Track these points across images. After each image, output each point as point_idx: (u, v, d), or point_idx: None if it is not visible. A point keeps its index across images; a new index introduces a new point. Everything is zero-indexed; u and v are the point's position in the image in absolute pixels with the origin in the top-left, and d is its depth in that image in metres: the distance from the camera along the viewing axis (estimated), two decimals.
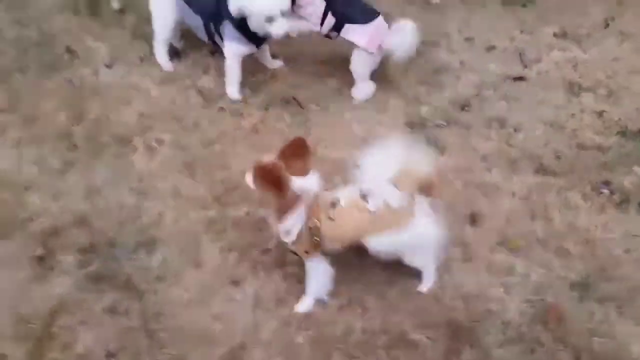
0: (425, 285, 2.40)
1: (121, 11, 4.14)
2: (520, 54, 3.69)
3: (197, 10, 3.30)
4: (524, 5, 4.19)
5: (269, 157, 2.16)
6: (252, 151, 3.03)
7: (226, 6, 3.09)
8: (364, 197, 2.15)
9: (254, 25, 3.07)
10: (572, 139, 3.10)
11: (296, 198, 2.12)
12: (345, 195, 2.19)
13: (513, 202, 2.77)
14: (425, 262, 2.35)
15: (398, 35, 3.19)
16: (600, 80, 3.46)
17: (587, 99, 3.34)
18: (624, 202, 2.75)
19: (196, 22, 3.37)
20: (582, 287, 2.41)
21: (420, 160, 2.17)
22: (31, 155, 3.04)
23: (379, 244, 2.19)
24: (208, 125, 3.22)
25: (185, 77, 3.54)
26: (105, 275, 2.49)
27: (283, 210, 2.13)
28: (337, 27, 3.21)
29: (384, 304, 2.37)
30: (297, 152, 2.17)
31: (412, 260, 2.31)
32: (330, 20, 3.19)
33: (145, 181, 2.92)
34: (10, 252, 2.59)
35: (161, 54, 3.62)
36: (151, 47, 3.67)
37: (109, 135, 3.15)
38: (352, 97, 3.42)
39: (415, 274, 2.40)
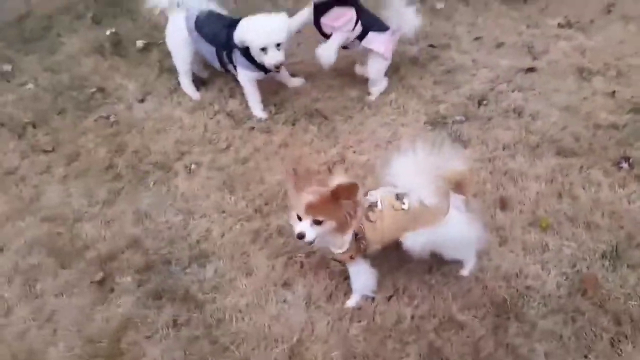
0: (467, 270, 2.53)
1: (145, 49, 4.38)
2: (528, 47, 3.85)
3: (210, 41, 3.53)
4: (525, 1, 4.37)
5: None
6: (288, 165, 3.22)
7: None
8: (398, 197, 2.28)
9: (254, 54, 3.30)
10: (587, 120, 3.22)
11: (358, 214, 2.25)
12: (380, 197, 2.31)
13: (539, 185, 2.89)
14: (464, 254, 2.49)
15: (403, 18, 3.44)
16: (608, 63, 3.60)
17: (597, 82, 3.48)
18: None
19: (210, 52, 3.60)
20: (613, 256, 2.53)
21: (453, 160, 2.27)
22: (79, 189, 3.25)
23: (415, 240, 2.31)
24: (241, 145, 3.41)
25: (214, 103, 3.75)
26: (164, 291, 2.66)
27: (346, 225, 2.23)
28: (361, 36, 3.42)
29: (429, 290, 2.50)
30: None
31: (451, 254, 2.45)
32: (359, 28, 3.40)
33: (189, 201, 3.09)
34: (71, 279, 2.77)
35: (187, 85, 3.85)
36: (178, 79, 3.90)
37: (150, 164, 3.35)
38: (370, 94, 3.62)
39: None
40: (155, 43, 4.42)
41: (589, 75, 3.53)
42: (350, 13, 3.36)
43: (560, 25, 4.03)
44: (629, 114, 3.22)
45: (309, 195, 2.18)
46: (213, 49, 3.56)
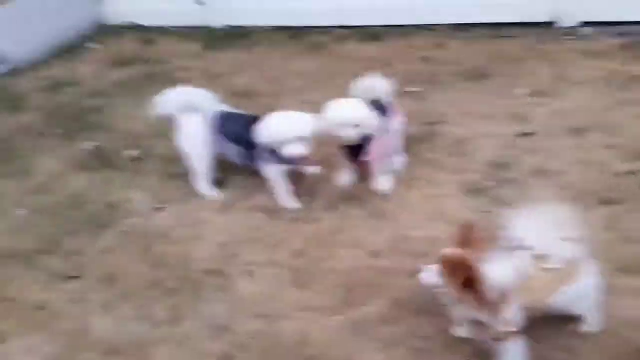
0: (593, 324, 2.37)
1: (138, 159, 3.98)
2: (513, 115, 3.99)
3: (234, 140, 3.34)
4: (483, 77, 4.60)
5: (453, 250, 2.11)
6: (349, 250, 2.99)
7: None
8: (539, 258, 2.16)
9: (277, 147, 3.14)
10: (605, 171, 3.34)
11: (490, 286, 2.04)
12: (521, 263, 2.14)
13: (605, 235, 2.85)
14: (592, 306, 2.35)
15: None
16: (591, 121, 3.78)
17: (591, 138, 3.65)
18: None
19: (234, 151, 3.40)
20: None
21: (568, 215, 2.21)
22: (131, 312, 2.76)
23: (563, 300, 2.20)
24: (290, 238, 3.12)
25: (240, 201, 3.45)
26: None
27: (486, 301, 2.04)
28: None
29: (571, 353, 2.33)
30: (470, 239, 2.12)
31: (582, 308, 2.33)
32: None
33: (263, 305, 2.73)
34: None
35: (206, 187, 3.54)
36: (189, 182, 3.56)
37: (201, 272, 2.95)
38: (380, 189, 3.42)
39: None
40: (148, 152, 4.05)
41: (581, 133, 3.72)
42: (379, 140, 3.26)
43: (530, 95, 4.26)
44: (637, 161, 3.39)
45: (453, 249, 2.09)
46: (237, 148, 3.35)
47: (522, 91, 4.32)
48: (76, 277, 2.99)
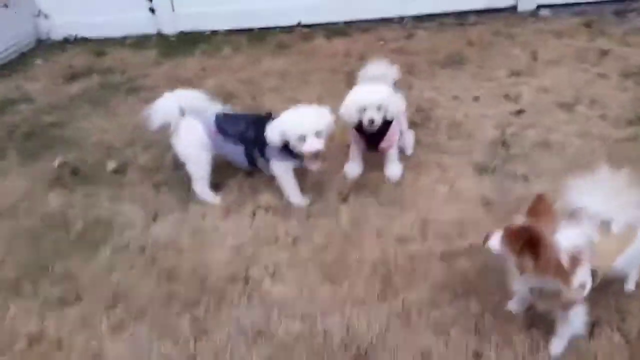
0: (633, 282, 2.38)
1: (119, 171, 3.66)
2: (503, 95, 4.00)
3: (238, 140, 3.13)
4: (460, 63, 4.61)
5: (519, 220, 2.00)
6: (374, 239, 2.84)
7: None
8: (604, 224, 2.11)
9: (292, 144, 2.97)
10: (605, 139, 3.37)
11: (559, 254, 1.94)
12: (588, 229, 2.09)
13: None
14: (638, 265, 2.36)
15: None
16: (576, 96, 3.87)
17: (581, 110, 3.71)
18: None
19: (236, 152, 3.18)
20: None
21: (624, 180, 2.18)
22: (150, 333, 2.45)
23: (623, 262, 2.16)
24: (308, 235, 2.93)
25: (244, 203, 3.21)
26: None
27: (557, 269, 1.93)
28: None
29: (622, 312, 2.30)
30: (541, 209, 2.03)
31: (632, 268, 2.32)
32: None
33: (298, 304, 2.52)
34: None
35: (205, 192, 3.28)
36: (180, 190, 3.32)
37: (221, 280, 2.70)
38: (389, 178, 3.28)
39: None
40: (125, 162, 3.72)
41: (570, 107, 3.76)
42: (396, 125, 3.17)
43: (509, 75, 4.28)
44: (631, 127, 3.46)
45: (519, 218, 2.00)
46: (240, 148, 3.13)
47: (502, 73, 4.34)
48: (74, 302, 2.66)
